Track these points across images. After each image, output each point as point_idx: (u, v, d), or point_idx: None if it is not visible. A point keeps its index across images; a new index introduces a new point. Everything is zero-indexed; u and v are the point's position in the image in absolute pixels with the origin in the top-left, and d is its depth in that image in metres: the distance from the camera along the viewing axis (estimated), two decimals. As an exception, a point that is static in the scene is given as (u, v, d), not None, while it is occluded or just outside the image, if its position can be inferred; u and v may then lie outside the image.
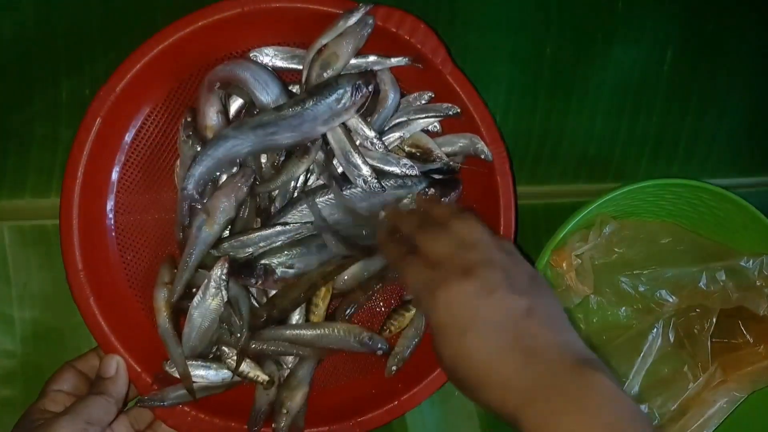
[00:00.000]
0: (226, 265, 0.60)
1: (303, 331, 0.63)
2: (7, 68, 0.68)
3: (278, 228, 0.62)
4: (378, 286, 0.68)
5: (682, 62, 0.80)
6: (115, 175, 0.64)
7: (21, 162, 0.69)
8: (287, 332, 0.63)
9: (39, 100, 0.69)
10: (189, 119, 0.63)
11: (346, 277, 0.66)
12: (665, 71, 0.80)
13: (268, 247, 0.63)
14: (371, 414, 0.62)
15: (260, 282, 0.62)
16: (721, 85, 0.82)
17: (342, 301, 0.67)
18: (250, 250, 0.63)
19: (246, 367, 0.62)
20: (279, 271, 0.62)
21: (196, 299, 0.60)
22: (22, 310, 0.69)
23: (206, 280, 0.60)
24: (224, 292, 0.60)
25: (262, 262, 0.62)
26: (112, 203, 0.64)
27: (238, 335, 0.61)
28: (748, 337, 0.72)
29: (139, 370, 0.60)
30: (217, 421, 0.61)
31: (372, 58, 0.64)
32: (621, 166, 0.80)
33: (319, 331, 0.63)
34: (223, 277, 0.59)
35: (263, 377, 0.62)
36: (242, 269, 0.61)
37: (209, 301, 0.60)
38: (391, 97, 0.65)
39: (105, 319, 0.59)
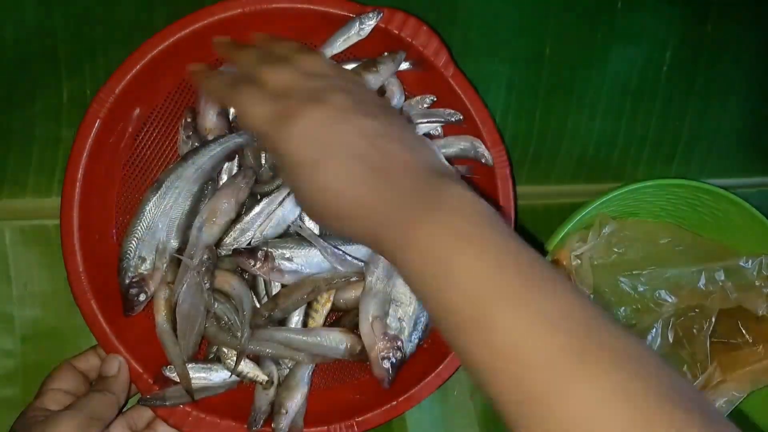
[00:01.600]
0: (210, 253, 0.60)
1: (297, 336, 0.63)
2: (7, 68, 0.68)
3: (272, 197, 0.63)
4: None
5: (681, 62, 0.80)
6: (116, 176, 0.64)
7: (22, 162, 0.69)
8: (281, 335, 0.63)
9: (40, 100, 0.69)
10: (189, 120, 0.63)
11: (349, 296, 0.66)
12: (665, 71, 0.80)
13: (266, 227, 0.63)
14: (370, 414, 0.62)
15: (259, 265, 0.61)
16: (720, 85, 0.82)
17: (343, 316, 0.67)
18: (251, 233, 0.63)
19: (245, 367, 0.62)
20: (278, 260, 0.62)
21: (178, 288, 0.60)
22: (23, 309, 0.69)
23: (188, 271, 0.60)
24: (207, 281, 0.60)
25: (263, 248, 0.62)
26: (112, 204, 0.64)
27: (239, 334, 0.61)
28: (747, 337, 0.72)
29: (141, 370, 0.60)
30: (218, 420, 0.61)
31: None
32: (620, 166, 0.81)
33: (312, 339, 0.63)
34: (207, 264, 0.60)
35: (262, 377, 0.62)
36: (244, 252, 0.62)
37: (192, 290, 0.61)
38: (396, 97, 0.65)
39: (106, 320, 0.59)
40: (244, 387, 0.67)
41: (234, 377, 0.63)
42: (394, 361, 0.60)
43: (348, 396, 0.65)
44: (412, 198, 0.41)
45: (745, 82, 0.83)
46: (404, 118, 0.49)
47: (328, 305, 0.65)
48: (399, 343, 0.60)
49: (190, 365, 0.61)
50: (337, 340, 0.63)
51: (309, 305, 0.65)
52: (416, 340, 0.63)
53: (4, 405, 0.68)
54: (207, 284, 0.61)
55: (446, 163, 0.45)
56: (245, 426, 0.61)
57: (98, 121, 0.59)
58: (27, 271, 0.69)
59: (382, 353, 0.60)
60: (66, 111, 0.69)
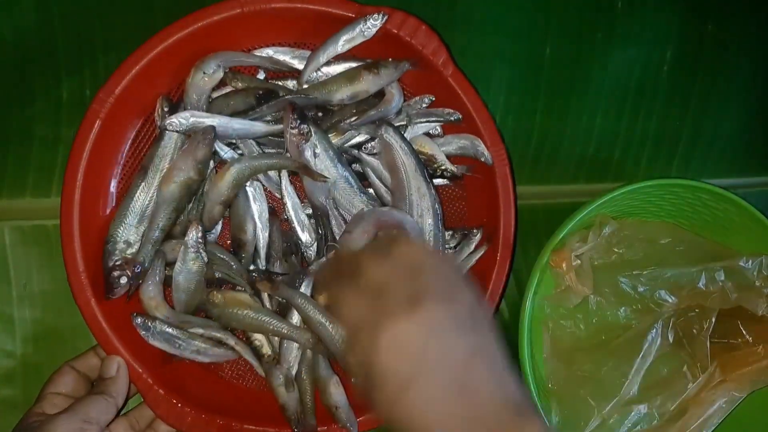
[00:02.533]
0: (200, 228, 0.61)
1: (310, 305, 0.62)
2: (7, 68, 0.68)
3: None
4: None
5: (682, 62, 0.80)
6: (115, 177, 0.64)
7: (22, 162, 0.69)
8: (298, 299, 0.63)
9: (39, 100, 0.69)
10: (165, 109, 0.63)
11: None
12: (665, 71, 0.80)
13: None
14: (369, 414, 0.62)
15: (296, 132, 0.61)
16: (720, 85, 0.82)
17: None
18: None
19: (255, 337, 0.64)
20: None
21: (177, 266, 0.61)
22: (22, 310, 0.69)
23: (182, 246, 0.61)
24: (203, 254, 0.61)
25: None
26: (112, 204, 0.64)
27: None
28: (747, 337, 0.71)
29: (140, 370, 0.60)
30: (219, 420, 0.61)
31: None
32: (620, 166, 0.81)
33: (322, 317, 0.62)
34: (200, 240, 0.61)
35: (267, 348, 0.64)
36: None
37: (190, 265, 0.61)
38: (395, 99, 0.65)
39: (106, 321, 0.59)
40: (245, 388, 0.68)
41: (233, 343, 0.64)
42: None
43: (348, 396, 0.65)
44: None
45: (746, 83, 0.83)
46: (489, 319, 0.46)
47: None
48: None
49: (192, 318, 0.63)
50: (340, 335, 0.62)
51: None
52: None
53: (4, 405, 0.68)
54: (205, 256, 0.61)
55: (522, 392, 0.43)
56: (245, 426, 0.62)
57: (98, 121, 0.59)
58: (26, 271, 0.69)
59: None
60: (66, 111, 0.69)
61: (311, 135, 0.61)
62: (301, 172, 0.63)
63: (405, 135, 0.65)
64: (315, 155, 0.62)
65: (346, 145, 0.66)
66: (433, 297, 0.43)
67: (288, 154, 0.63)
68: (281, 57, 0.66)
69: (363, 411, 0.63)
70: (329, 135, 0.65)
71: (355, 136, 0.66)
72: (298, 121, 0.60)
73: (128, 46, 0.60)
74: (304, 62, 0.65)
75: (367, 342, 0.43)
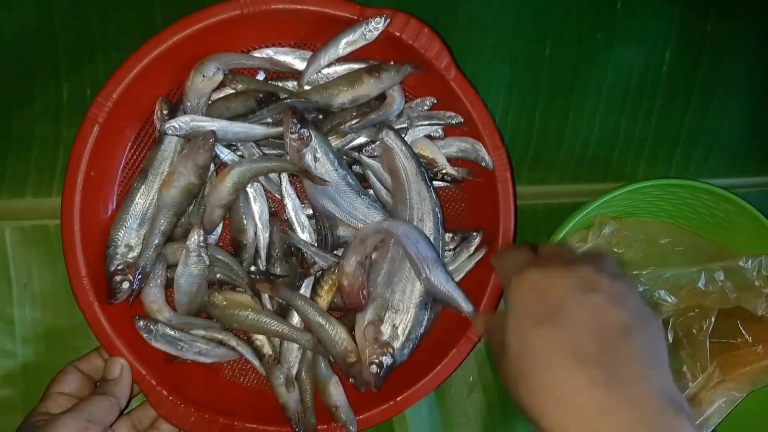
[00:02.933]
0: (202, 232, 0.61)
1: (310, 307, 0.63)
2: (7, 68, 0.68)
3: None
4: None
5: (681, 62, 0.80)
6: (115, 180, 0.64)
7: (22, 162, 0.69)
8: (298, 300, 0.63)
9: (40, 100, 0.69)
10: (165, 112, 0.63)
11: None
12: (665, 72, 0.80)
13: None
14: (368, 414, 0.63)
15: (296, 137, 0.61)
16: (720, 85, 0.82)
17: (343, 316, 0.67)
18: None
19: (255, 338, 0.65)
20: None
21: (179, 269, 0.61)
22: (23, 310, 0.69)
23: (184, 250, 0.61)
24: (205, 257, 0.61)
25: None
26: (112, 207, 0.64)
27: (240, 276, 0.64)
28: (746, 336, 0.72)
29: (143, 371, 0.60)
30: (221, 420, 0.61)
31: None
32: (620, 166, 0.81)
33: (322, 319, 0.63)
34: (201, 243, 0.61)
35: (267, 348, 0.64)
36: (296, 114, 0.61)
37: (192, 268, 0.61)
38: (397, 102, 0.65)
39: (109, 323, 0.59)
40: (246, 388, 0.68)
41: (235, 344, 0.65)
42: (383, 366, 0.60)
43: (348, 395, 0.65)
44: (638, 428, 0.36)
45: (745, 82, 0.83)
46: (659, 324, 0.42)
47: (332, 292, 0.65)
48: (390, 350, 0.60)
49: (193, 320, 0.64)
50: (339, 337, 0.63)
51: (314, 291, 0.65)
52: (408, 352, 0.63)
53: (4, 405, 0.68)
54: (207, 259, 0.61)
55: (678, 391, 0.38)
56: (247, 425, 0.62)
57: (96, 126, 0.59)
58: (27, 272, 0.69)
59: (372, 358, 0.60)
60: (66, 111, 0.69)
61: (311, 139, 0.61)
62: (301, 176, 0.63)
63: (406, 137, 0.65)
64: (315, 159, 0.62)
65: (346, 148, 0.66)
66: (589, 266, 0.42)
67: (288, 157, 0.63)
68: (281, 58, 0.66)
69: (363, 409, 0.63)
70: (330, 137, 0.65)
71: (355, 139, 0.66)
72: (298, 126, 0.60)
73: (129, 46, 0.60)
74: (305, 63, 0.65)
75: (512, 281, 0.42)
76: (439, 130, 0.68)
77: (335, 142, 0.65)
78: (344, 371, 0.63)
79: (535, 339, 0.39)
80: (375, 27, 0.61)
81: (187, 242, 0.61)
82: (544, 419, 0.38)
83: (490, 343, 0.48)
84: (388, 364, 0.60)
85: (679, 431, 0.36)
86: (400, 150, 0.64)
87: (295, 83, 0.66)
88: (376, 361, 0.60)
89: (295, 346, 0.65)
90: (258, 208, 0.65)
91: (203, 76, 0.62)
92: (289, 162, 0.63)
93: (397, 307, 0.62)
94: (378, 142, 0.65)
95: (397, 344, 0.62)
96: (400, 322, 0.62)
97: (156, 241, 0.61)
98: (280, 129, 0.62)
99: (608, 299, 0.40)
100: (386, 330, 0.62)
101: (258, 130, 0.63)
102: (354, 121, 0.65)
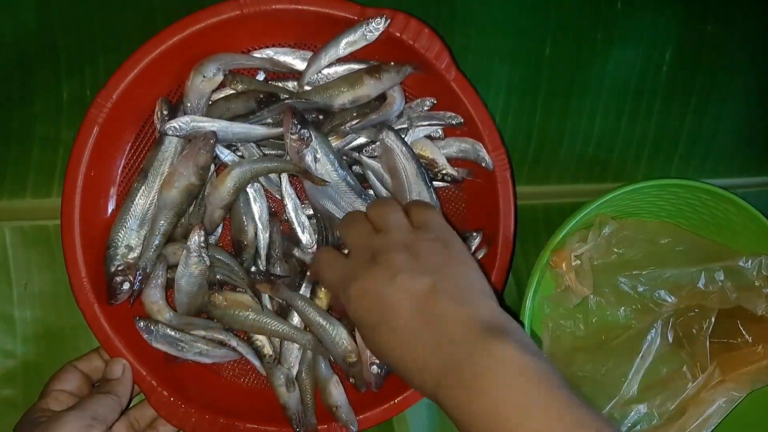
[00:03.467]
0: (203, 232, 0.61)
1: (310, 307, 0.63)
2: (7, 68, 0.68)
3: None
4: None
5: (681, 62, 0.80)
6: (115, 180, 0.64)
7: (22, 162, 0.69)
8: (298, 301, 0.63)
9: (40, 100, 0.69)
10: (165, 112, 0.63)
11: None
12: (664, 71, 0.80)
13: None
14: (369, 413, 0.63)
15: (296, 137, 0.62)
16: (720, 85, 0.82)
17: (343, 316, 0.67)
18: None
19: (256, 339, 0.65)
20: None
21: (179, 269, 0.61)
22: (23, 310, 0.69)
23: (185, 250, 0.61)
24: (206, 258, 0.61)
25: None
26: (113, 207, 0.64)
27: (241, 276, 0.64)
28: (746, 336, 0.72)
29: (144, 372, 0.60)
30: (221, 420, 0.61)
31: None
32: (620, 166, 0.81)
33: (322, 319, 0.63)
34: (202, 244, 0.61)
35: (268, 349, 0.64)
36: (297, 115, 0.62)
37: (193, 268, 0.61)
38: (397, 102, 0.65)
39: (109, 324, 0.59)
40: (247, 388, 0.68)
41: (235, 344, 0.65)
42: (383, 367, 0.61)
43: (348, 395, 0.65)
44: (465, 361, 0.44)
45: (745, 83, 0.83)
46: (465, 258, 0.51)
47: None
48: None
49: (194, 320, 0.64)
50: (340, 338, 0.63)
51: (313, 292, 0.65)
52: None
53: (4, 405, 0.68)
54: (207, 260, 0.61)
55: (496, 311, 0.47)
56: (248, 425, 0.62)
57: (96, 127, 0.59)
58: (27, 272, 0.69)
59: (372, 358, 0.60)
60: (66, 111, 0.69)
61: (312, 140, 0.61)
62: (301, 176, 0.63)
63: (406, 138, 0.65)
64: (316, 160, 0.62)
65: (346, 148, 0.66)
66: (389, 250, 0.49)
67: (288, 158, 0.63)
68: (282, 58, 0.66)
69: (363, 409, 0.63)
70: (330, 138, 0.65)
71: (355, 139, 0.66)
72: (299, 126, 0.60)
73: (129, 46, 0.60)
74: (305, 63, 0.65)
75: (342, 299, 0.50)
76: (439, 131, 0.68)
77: (335, 142, 0.65)
78: (344, 371, 0.63)
79: (378, 342, 0.48)
80: (375, 27, 0.61)
81: (188, 243, 0.60)
82: (410, 382, 0.48)
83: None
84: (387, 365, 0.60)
85: (493, 348, 0.43)
86: (400, 150, 0.64)
87: (296, 84, 0.66)
88: (377, 361, 0.60)
89: (296, 346, 0.65)
90: (258, 208, 0.65)
91: (203, 76, 0.61)
92: (289, 162, 0.62)
93: None
94: (378, 143, 0.65)
95: None
96: None
97: (156, 242, 0.61)
98: (281, 129, 0.62)
99: (410, 272, 0.47)
100: None
101: (258, 130, 0.63)
102: (354, 122, 0.65)
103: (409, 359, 0.46)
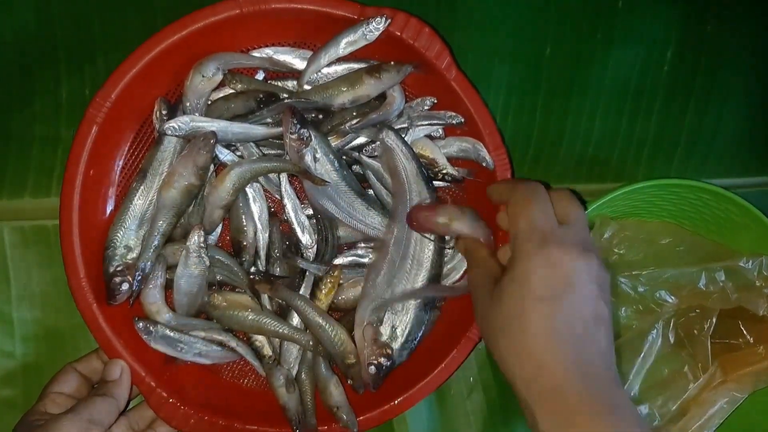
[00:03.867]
0: (202, 233, 0.60)
1: (309, 307, 0.63)
2: (7, 69, 0.68)
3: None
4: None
5: (682, 62, 0.80)
6: (114, 180, 0.64)
7: (21, 162, 0.69)
8: (297, 300, 0.63)
9: (39, 100, 0.69)
10: (164, 112, 0.63)
11: (348, 296, 0.66)
12: (665, 71, 0.80)
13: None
14: (368, 414, 0.63)
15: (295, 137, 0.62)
16: (720, 85, 0.81)
17: (343, 316, 0.67)
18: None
19: (255, 339, 0.65)
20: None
21: (179, 270, 0.61)
22: (22, 310, 0.69)
23: (184, 251, 0.60)
24: (205, 258, 0.61)
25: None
26: (111, 207, 0.64)
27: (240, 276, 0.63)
28: (748, 337, 0.71)
29: (143, 373, 0.60)
30: (221, 421, 0.61)
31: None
32: (620, 166, 0.80)
33: (321, 320, 0.63)
34: (202, 244, 0.60)
35: (267, 350, 0.64)
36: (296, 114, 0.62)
37: (192, 269, 0.61)
38: (397, 102, 0.65)
39: (108, 325, 0.59)
40: (246, 389, 0.68)
41: (235, 345, 0.64)
42: (381, 367, 0.60)
43: (348, 396, 0.65)
44: (594, 400, 0.43)
45: (745, 83, 0.82)
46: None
47: (331, 294, 0.65)
48: (388, 351, 0.60)
49: (193, 321, 0.63)
50: (339, 338, 0.63)
51: (312, 293, 0.65)
52: (407, 353, 0.63)
53: (3, 405, 0.68)
54: (207, 260, 0.61)
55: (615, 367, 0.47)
56: (247, 427, 0.62)
57: (95, 126, 0.59)
58: (26, 272, 0.69)
59: (370, 358, 0.60)
60: (65, 111, 0.70)
61: (311, 140, 0.61)
62: (301, 176, 0.63)
63: (406, 137, 0.65)
64: (315, 159, 0.61)
65: (346, 148, 0.66)
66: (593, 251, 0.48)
67: (288, 158, 0.62)
68: (281, 57, 0.66)
69: (363, 410, 0.63)
70: (329, 137, 0.65)
71: (355, 139, 0.66)
72: (298, 126, 0.60)
73: (129, 46, 0.60)
74: (305, 62, 0.65)
75: (533, 251, 0.47)
76: (440, 130, 0.68)
77: (335, 142, 0.65)
78: (343, 372, 0.63)
79: (533, 312, 0.46)
80: (375, 27, 0.61)
81: (187, 243, 0.60)
82: (514, 376, 0.46)
83: (473, 276, 0.54)
84: (387, 365, 0.60)
85: (617, 400, 0.44)
86: (401, 150, 0.64)
87: (295, 83, 0.66)
88: (375, 362, 0.60)
89: (295, 347, 0.65)
90: (257, 208, 0.65)
91: (203, 76, 0.61)
92: (288, 162, 0.62)
93: (396, 308, 0.62)
94: (378, 142, 0.64)
95: (396, 345, 0.62)
96: (399, 322, 0.62)
97: (155, 242, 0.61)
98: (280, 129, 0.62)
99: (598, 293, 0.47)
100: (385, 331, 0.62)
101: (258, 130, 0.63)
102: (354, 121, 0.65)
103: (546, 352, 0.45)
